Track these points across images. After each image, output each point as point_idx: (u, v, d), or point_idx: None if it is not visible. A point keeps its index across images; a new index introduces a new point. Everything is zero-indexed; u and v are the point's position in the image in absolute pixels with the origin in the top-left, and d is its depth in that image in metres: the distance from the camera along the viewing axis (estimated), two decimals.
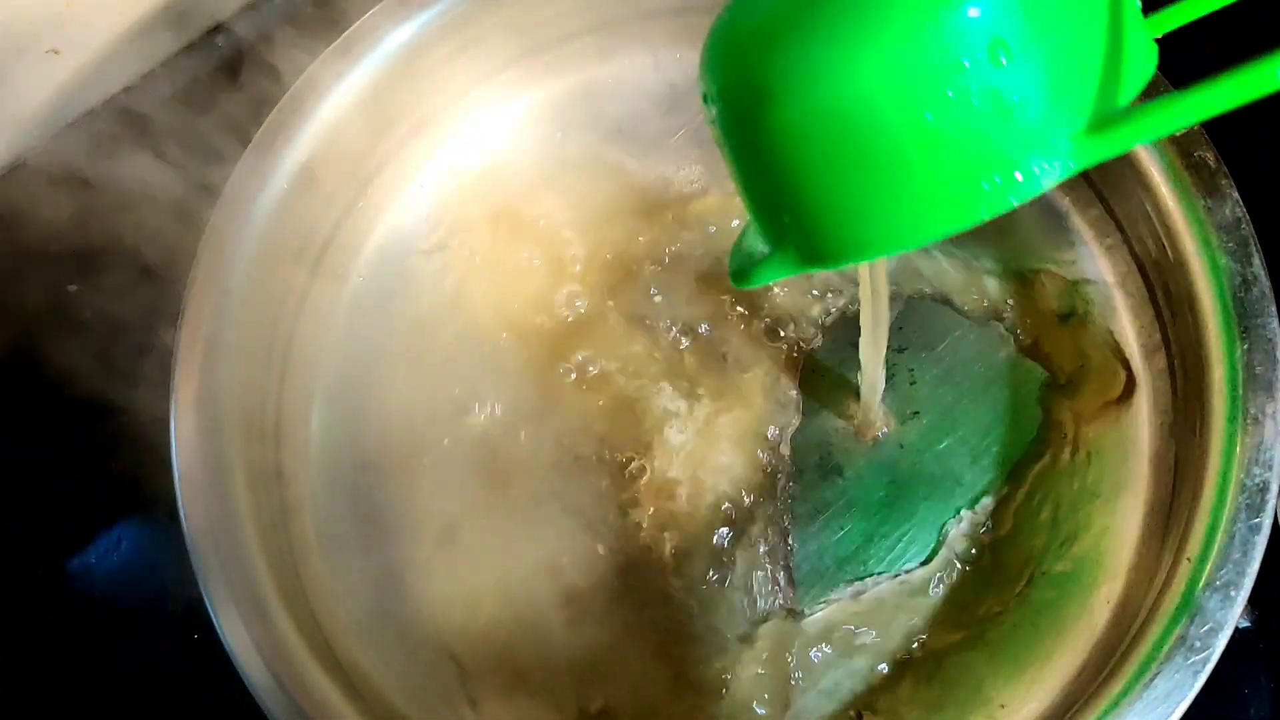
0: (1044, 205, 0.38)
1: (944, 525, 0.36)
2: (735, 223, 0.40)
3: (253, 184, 0.35)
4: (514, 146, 0.42)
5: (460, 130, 0.41)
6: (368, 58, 0.36)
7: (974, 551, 0.36)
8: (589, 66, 0.42)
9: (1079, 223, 0.38)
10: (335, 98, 0.36)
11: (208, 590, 0.31)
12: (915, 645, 0.35)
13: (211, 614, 0.32)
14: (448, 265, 0.41)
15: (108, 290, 0.46)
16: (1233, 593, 0.28)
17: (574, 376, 0.39)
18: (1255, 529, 0.28)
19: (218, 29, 0.47)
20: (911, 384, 0.38)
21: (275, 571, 0.32)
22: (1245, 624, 0.39)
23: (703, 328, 0.39)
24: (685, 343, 0.39)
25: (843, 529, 0.37)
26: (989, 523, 0.36)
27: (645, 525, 0.37)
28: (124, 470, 0.45)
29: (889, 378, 0.37)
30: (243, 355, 0.35)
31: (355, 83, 0.36)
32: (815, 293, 0.40)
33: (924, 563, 0.36)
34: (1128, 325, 0.36)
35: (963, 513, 0.37)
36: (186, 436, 0.33)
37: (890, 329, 0.33)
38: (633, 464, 0.38)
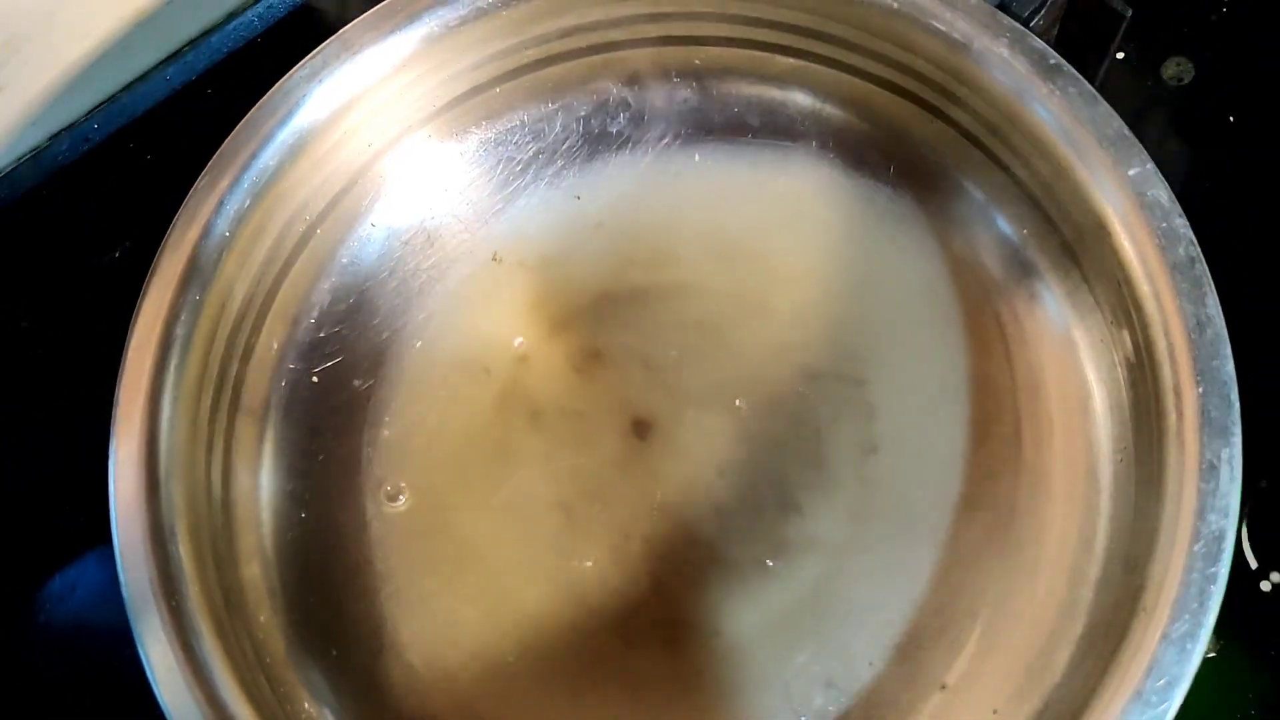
0: (998, 235, 0.38)
1: None
2: None
3: (191, 234, 0.34)
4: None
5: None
6: (304, 104, 0.36)
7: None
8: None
9: (1037, 257, 0.37)
10: (274, 145, 0.35)
11: (145, 653, 0.31)
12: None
13: (150, 676, 0.31)
14: (406, 303, 0.41)
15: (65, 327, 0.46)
16: (1189, 646, 0.28)
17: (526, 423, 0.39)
18: (1211, 579, 0.28)
19: (169, 60, 0.46)
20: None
21: (222, 639, 0.31)
22: (1211, 655, 0.39)
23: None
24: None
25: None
26: None
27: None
28: (80, 511, 0.44)
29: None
30: (186, 412, 0.34)
31: (293, 130, 0.36)
32: None
33: None
34: (1090, 372, 0.36)
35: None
36: (125, 496, 0.32)
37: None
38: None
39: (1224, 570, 0.28)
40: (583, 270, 0.40)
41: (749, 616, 0.36)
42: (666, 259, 0.40)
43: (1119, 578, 0.33)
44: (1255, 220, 0.42)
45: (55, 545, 0.45)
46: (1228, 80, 0.44)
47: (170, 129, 0.45)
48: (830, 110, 0.40)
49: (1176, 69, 0.45)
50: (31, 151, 0.44)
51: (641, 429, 0.38)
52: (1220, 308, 0.30)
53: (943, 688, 0.35)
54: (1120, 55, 0.45)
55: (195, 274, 0.35)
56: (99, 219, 0.46)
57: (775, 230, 0.40)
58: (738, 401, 0.38)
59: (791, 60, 0.39)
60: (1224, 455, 0.29)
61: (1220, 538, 0.28)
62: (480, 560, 0.38)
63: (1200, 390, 0.30)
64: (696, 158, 0.41)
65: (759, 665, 0.36)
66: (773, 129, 0.40)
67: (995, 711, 0.34)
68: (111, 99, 0.45)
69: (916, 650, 0.35)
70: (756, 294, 0.39)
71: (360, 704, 0.36)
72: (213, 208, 0.35)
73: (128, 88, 0.45)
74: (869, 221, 0.39)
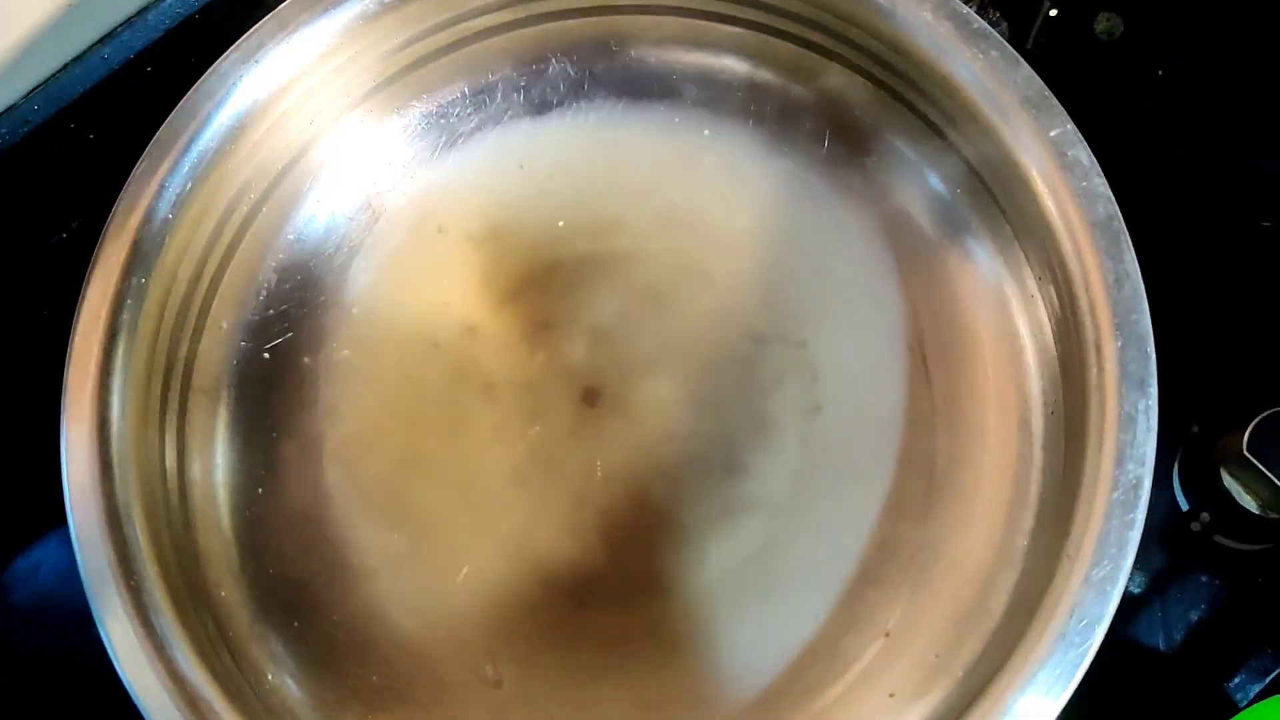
0: (930, 194, 0.39)
1: None
2: None
3: (133, 220, 0.34)
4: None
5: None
6: (241, 85, 0.36)
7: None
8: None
9: (970, 215, 0.38)
10: (212, 128, 0.35)
11: (106, 633, 0.32)
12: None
13: (112, 656, 0.32)
14: (353, 279, 0.41)
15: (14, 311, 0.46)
16: (1108, 588, 0.29)
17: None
18: (1129, 524, 0.29)
19: (105, 39, 0.46)
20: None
21: (182, 615, 0.32)
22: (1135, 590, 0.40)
23: None
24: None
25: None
26: None
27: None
28: (39, 493, 0.45)
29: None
30: (137, 395, 0.34)
31: (231, 111, 0.36)
32: None
33: None
34: (1022, 327, 0.37)
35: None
36: (79, 481, 0.32)
37: None
38: None
39: (1140, 516, 0.30)
40: (529, 240, 0.41)
41: (699, 575, 0.37)
42: (610, 227, 0.41)
43: (1051, 526, 0.34)
44: (1182, 174, 0.43)
45: (16, 527, 0.45)
46: (1157, 35, 0.45)
47: (111, 108, 0.45)
48: (765, 76, 0.40)
49: (1107, 24, 0.45)
50: None
51: (591, 397, 0.39)
52: (1138, 264, 0.31)
53: (885, 635, 0.36)
54: (1053, 12, 0.45)
55: (139, 259, 0.35)
56: (44, 201, 0.46)
57: (714, 196, 0.40)
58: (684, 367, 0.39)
59: (727, 27, 0.40)
60: (1141, 407, 0.30)
61: (1137, 485, 0.30)
62: (437, 530, 0.39)
63: (1119, 344, 0.31)
64: (637, 126, 0.41)
65: (709, 621, 0.37)
66: (710, 96, 0.41)
67: (937, 656, 0.35)
68: (50, 80, 0.44)
69: (859, 600, 0.36)
70: (698, 260, 0.40)
71: (323, 674, 0.37)
72: (154, 192, 0.35)
73: (65, 68, 0.45)
74: (806, 185, 0.40)
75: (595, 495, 0.38)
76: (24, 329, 0.46)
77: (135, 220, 0.35)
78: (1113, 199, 0.31)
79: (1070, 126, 0.32)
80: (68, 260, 0.44)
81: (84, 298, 0.34)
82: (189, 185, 0.35)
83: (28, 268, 0.47)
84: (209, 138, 0.35)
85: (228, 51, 0.36)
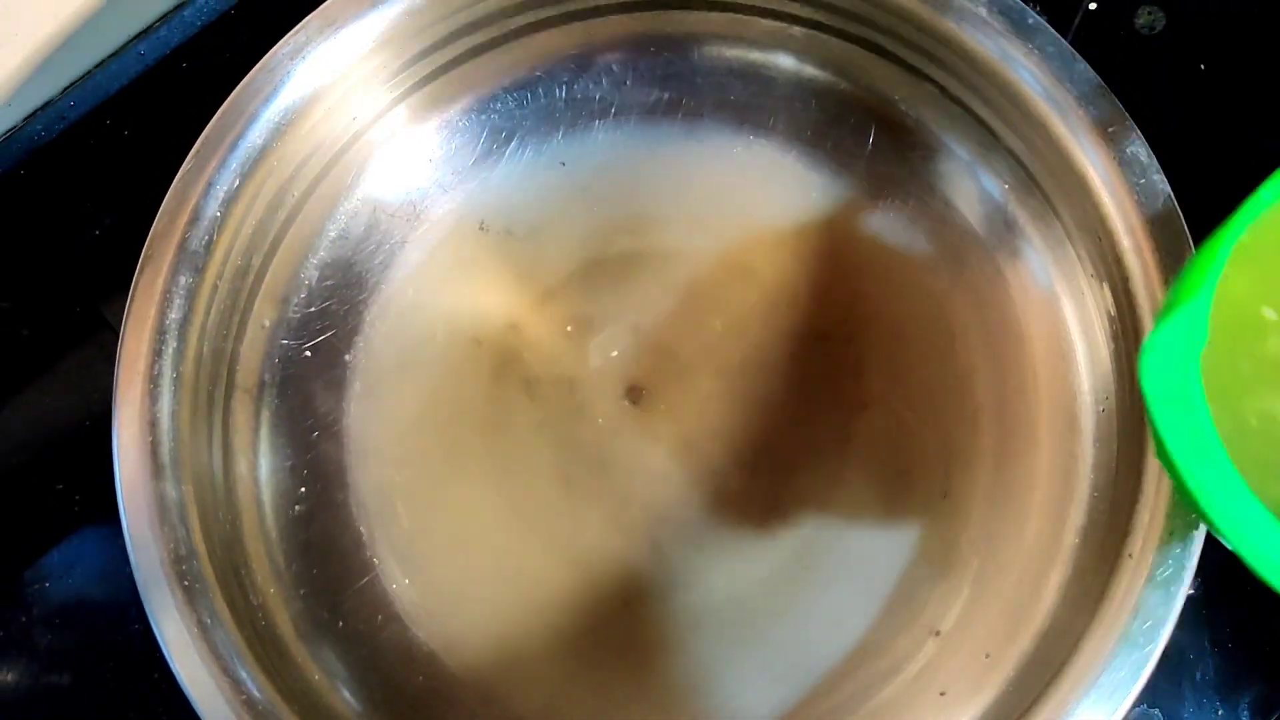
0: (979, 191, 0.38)
1: None
2: None
3: (181, 219, 0.34)
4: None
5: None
6: (288, 82, 0.35)
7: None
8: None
9: (1019, 213, 0.38)
10: (259, 125, 0.35)
11: (161, 633, 0.31)
12: None
13: (166, 656, 0.31)
14: (395, 276, 0.41)
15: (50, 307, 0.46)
16: (1173, 588, 0.29)
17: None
18: (1194, 524, 0.29)
19: (141, 35, 0.46)
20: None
21: (235, 616, 0.32)
22: (1190, 592, 0.40)
23: None
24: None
25: None
26: None
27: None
28: (74, 489, 0.45)
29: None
30: (186, 395, 0.34)
31: (278, 108, 0.35)
32: None
33: None
34: (1073, 325, 0.37)
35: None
36: (132, 484, 0.32)
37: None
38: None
39: None
40: (570, 237, 0.41)
41: (745, 573, 0.37)
42: (652, 224, 0.40)
43: (1105, 524, 0.34)
44: (1226, 168, 0.43)
45: (52, 524, 0.45)
46: (1199, 28, 0.45)
47: (147, 104, 0.45)
48: (812, 72, 0.40)
49: (1148, 17, 0.45)
50: (7, 132, 0.44)
51: (635, 394, 0.39)
52: None
53: (936, 634, 0.36)
54: (1093, 5, 0.45)
55: (186, 258, 0.35)
56: (79, 197, 0.46)
57: (758, 193, 0.40)
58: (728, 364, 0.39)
59: (773, 23, 0.39)
60: None
61: None
62: (480, 529, 0.38)
63: None
64: (680, 122, 0.41)
65: (756, 620, 0.37)
66: (755, 91, 0.40)
67: (988, 655, 0.35)
68: (86, 76, 0.44)
69: (909, 599, 0.36)
70: (741, 257, 0.40)
71: (369, 675, 0.36)
72: (201, 190, 0.35)
73: (101, 64, 0.44)
74: (852, 182, 0.40)
75: (640, 493, 0.38)
76: (57, 326, 0.46)
77: (183, 219, 0.34)
78: (1172, 196, 0.31)
79: (1129, 122, 0.32)
80: (101, 258, 0.44)
81: (132, 299, 0.34)
82: (237, 182, 0.35)
83: (62, 264, 0.46)
84: (256, 134, 0.35)
85: (275, 48, 0.36)
